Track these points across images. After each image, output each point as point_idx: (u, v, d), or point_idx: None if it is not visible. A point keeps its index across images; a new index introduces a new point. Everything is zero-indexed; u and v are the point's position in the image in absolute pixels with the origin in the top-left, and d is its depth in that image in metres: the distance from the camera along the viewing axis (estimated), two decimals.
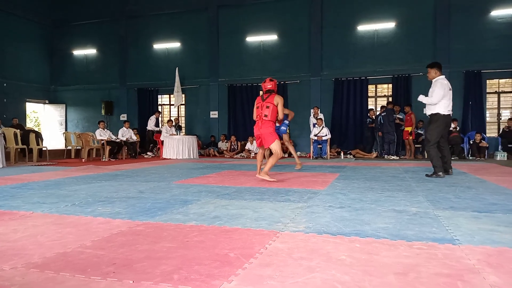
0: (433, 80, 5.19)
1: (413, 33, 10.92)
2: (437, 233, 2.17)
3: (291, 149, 7.04)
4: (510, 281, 1.45)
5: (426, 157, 10.35)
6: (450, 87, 5.17)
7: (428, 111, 5.20)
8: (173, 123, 11.54)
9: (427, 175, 5.21)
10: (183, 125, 12.04)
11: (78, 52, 14.61)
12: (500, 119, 10.65)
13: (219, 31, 12.72)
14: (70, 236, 2.15)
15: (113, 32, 13.99)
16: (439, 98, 5.04)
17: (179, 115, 13.38)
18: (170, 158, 10.17)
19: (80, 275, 1.54)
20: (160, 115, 11.72)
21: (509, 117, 10.16)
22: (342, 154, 10.70)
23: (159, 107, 13.83)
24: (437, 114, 5.10)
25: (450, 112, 5.18)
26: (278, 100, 4.81)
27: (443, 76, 5.21)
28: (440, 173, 5.04)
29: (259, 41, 12.38)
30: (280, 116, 4.86)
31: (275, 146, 4.76)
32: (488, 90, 10.65)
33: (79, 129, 14.10)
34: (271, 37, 12.23)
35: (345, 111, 11.56)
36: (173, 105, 13.39)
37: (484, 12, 10.37)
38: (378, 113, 10.55)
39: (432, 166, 5.16)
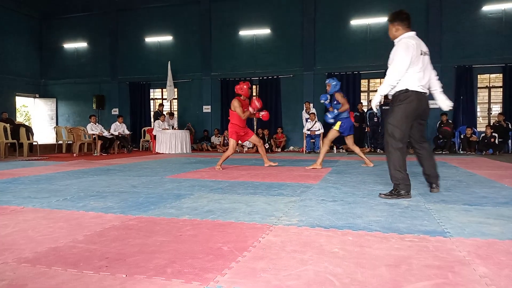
0: (395, 41, 3.32)
1: None
2: (428, 225, 2.20)
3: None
4: (499, 272, 1.47)
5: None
6: (426, 50, 3.26)
7: (392, 90, 3.29)
8: (165, 118, 11.47)
9: (381, 195, 3.20)
10: (175, 121, 11.97)
11: (68, 46, 14.41)
12: (491, 113, 10.77)
13: (212, 25, 12.64)
14: (62, 231, 2.14)
15: (103, 25, 13.81)
16: (403, 65, 3.11)
17: (172, 109, 13.32)
18: (162, 153, 10.12)
19: (72, 269, 1.53)
20: (165, 118, 11.48)
21: (499, 112, 10.28)
22: (334, 148, 10.74)
23: (151, 101, 13.73)
24: (405, 91, 3.17)
25: (426, 90, 3.27)
26: (233, 104, 5.76)
27: (411, 33, 3.26)
28: (402, 192, 3.10)
29: (252, 35, 12.32)
30: (242, 117, 5.68)
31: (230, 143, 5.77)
32: (479, 85, 10.75)
33: (70, 124, 13.96)
34: (264, 31, 12.18)
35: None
36: (165, 99, 13.30)
37: (476, 7, 10.44)
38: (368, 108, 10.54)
39: (391, 177, 3.20)
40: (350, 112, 5.75)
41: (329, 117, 5.63)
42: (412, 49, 3.12)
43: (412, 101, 3.14)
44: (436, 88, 3.40)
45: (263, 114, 5.96)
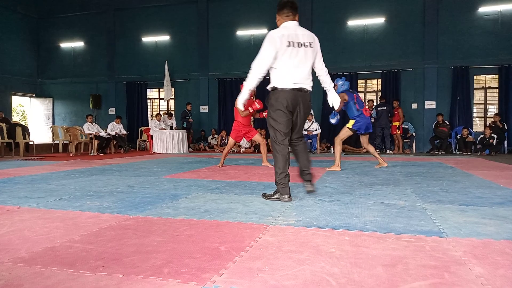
0: None
1: (402, 29, 10.99)
2: (424, 226, 2.21)
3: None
4: (494, 272, 1.48)
5: (413, 151, 10.53)
6: (305, 42, 2.97)
7: (269, 87, 3.11)
8: (161, 117, 11.44)
9: (264, 196, 3.14)
10: (174, 121, 11.94)
11: (65, 45, 14.35)
12: (487, 114, 10.82)
13: (209, 25, 12.63)
14: (58, 231, 2.13)
15: (100, 25, 13.77)
16: (264, 58, 2.94)
17: (169, 109, 13.30)
18: (159, 153, 10.11)
19: (69, 269, 1.53)
20: (161, 118, 11.40)
21: (495, 113, 10.34)
22: (332, 148, 10.76)
23: (148, 101, 13.70)
24: (274, 89, 3.05)
25: (303, 85, 3.00)
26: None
27: (287, 23, 3.03)
28: (285, 197, 2.99)
29: (250, 35, 12.32)
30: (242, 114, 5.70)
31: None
32: (475, 86, 10.80)
33: (66, 123, 13.90)
34: (261, 31, 12.17)
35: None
36: (162, 99, 13.29)
37: (472, 8, 10.49)
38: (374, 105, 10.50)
39: (275, 181, 3.07)
40: (363, 108, 5.43)
41: (330, 118, 5.54)
42: (276, 41, 2.90)
43: (278, 99, 2.99)
44: (324, 84, 3.25)
45: (266, 114, 5.94)
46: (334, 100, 3.29)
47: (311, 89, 3.10)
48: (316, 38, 3.13)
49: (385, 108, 9.97)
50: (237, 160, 7.60)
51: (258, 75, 3.00)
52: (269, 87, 3.09)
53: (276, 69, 2.98)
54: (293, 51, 2.93)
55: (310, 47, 3.00)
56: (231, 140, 6.02)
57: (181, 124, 11.56)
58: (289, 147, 3.07)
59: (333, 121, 5.51)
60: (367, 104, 10.42)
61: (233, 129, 5.97)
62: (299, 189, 3.59)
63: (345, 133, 5.46)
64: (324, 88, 3.29)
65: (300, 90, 3.00)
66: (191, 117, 11.62)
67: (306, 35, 3.02)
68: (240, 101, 3.16)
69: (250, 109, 5.72)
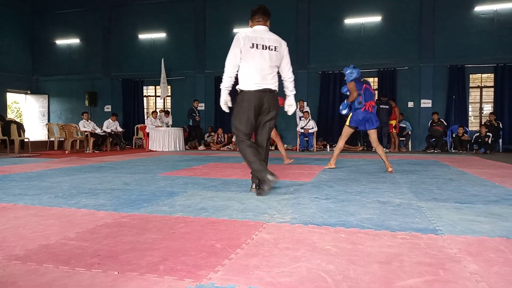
0: None
1: (399, 28, 11.02)
2: (420, 223, 2.22)
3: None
4: (489, 269, 1.49)
5: (409, 149, 10.58)
6: (269, 45, 3.10)
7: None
8: (158, 114, 11.40)
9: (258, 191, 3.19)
10: (170, 119, 11.90)
11: (60, 42, 14.26)
12: (482, 113, 10.88)
13: (206, 22, 12.59)
14: (53, 228, 2.12)
15: (96, 22, 13.69)
16: (230, 59, 3.09)
17: (165, 106, 13.26)
18: (156, 150, 10.08)
19: (64, 266, 1.52)
20: (157, 115, 11.34)
21: (491, 111, 10.40)
22: (328, 146, 10.79)
23: (145, 99, 13.65)
24: (240, 92, 3.17)
25: (267, 86, 3.10)
26: None
27: (256, 27, 3.20)
28: (268, 177, 3.02)
29: None
30: None
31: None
32: (471, 85, 10.85)
33: (62, 121, 13.83)
34: None
35: (331, 104, 11.62)
36: (159, 96, 13.24)
37: (468, 7, 10.53)
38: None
39: (251, 173, 3.26)
40: (368, 102, 4.94)
41: (340, 108, 5.23)
42: (240, 42, 3.04)
43: (242, 101, 3.11)
44: (286, 90, 3.35)
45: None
46: (290, 107, 3.36)
47: (276, 89, 3.21)
48: (284, 44, 3.24)
49: (387, 106, 9.99)
50: (233, 158, 7.60)
51: (228, 75, 3.13)
52: (237, 87, 3.20)
53: (241, 69, 3.11)
54: (256, 53, 3.06)
55: (275, 51, 3.13)
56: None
57: (188, 121, 11.51)
58: (251, 140, 3.17)
59: (344, 111, 5.18)
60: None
61: None
62: (296, 187, 3.60)
63: (345, 131, 5.16)
64: (285, 93, 3.38)
65: (265, 91, 3.11)
66: (198, 114, 11.56)
67: (273, 39, 3.15)
68: (221, 102, 3.21)
69: None
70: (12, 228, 2.12)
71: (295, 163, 6.34)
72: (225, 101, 3.18)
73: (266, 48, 3.09)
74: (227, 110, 3.21)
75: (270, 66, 3.12)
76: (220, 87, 3.19)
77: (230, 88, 3.20)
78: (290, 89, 3.33)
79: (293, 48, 11.87)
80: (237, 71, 3.15)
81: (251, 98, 3.08)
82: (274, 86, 3.18)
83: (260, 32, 3.15)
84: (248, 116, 3.10)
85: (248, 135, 3.14)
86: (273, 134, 5.98)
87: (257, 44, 3.07)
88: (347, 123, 5.10)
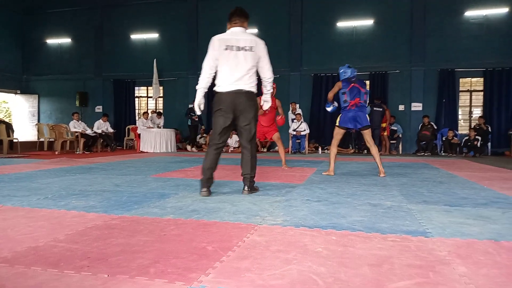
0: None
1: (390, 31, 11.12)
2: (410, 226, 2.23)
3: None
4: (477, 271, 1.51)
5: (400, 152, 10.66)
6: (244, 45, 3.14)
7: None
8: (149, 115, 11.34)
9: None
10: (162, 120, 11.84)
11: (51, 41, 14.11)
12: (472, 116, 11.03)
13: (199, 23, 12.57)
14: (42, 230, 2.09)
15: (88, 21, 13.58)
16: (206, 61, 3.21)
17: (157, 107, 13.19)
18: (147, 152, 10.02)
19: (53, 269, 1.50)
20: (149, 116, 11.26)
21: (480, 115, 10.54)
22: (320, 149, 10.83)
23: (136, 99, 13.56)
24: (216, 93, 3.22)
25: (242, 86, 3.12)
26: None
27: (232, 29, 3.26)
28: (202, 190, 3.18)
29: None
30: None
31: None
32: (461, 89, 11.00)
33: (52, 121, 13.67)
34: (251, 31, 12.18)
35: (323, 107, 11.66)
36: (150, 97, 13.17)
37: (458, 12, 10.68)
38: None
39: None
40: (354, 100, 4.73)
41: (326, 105, 5.23)
42: (215, 44, 3.17)
43: (217, 102, 3.20)
44: (263, 89, 3.43)
45: (278, 119, 5.98)
46: (265, 103, 3.51)
47: (253, 90, 3.22)
48: (261, 43, 3.25)
49: (380, 109, 10.06)
50: (225, 159, 7.59)
51: (204, 76, 3.22)
52: (214, 89, 3.27)
53: (218, 71, 3.20)
54: (230, 54, 3.12)
55: (251, 51, 3.16)
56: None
57: (187, 121, 11.45)
58: (217, 150, 3.24)
59: (328, 109, 5.17)
60: None
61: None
62: (288, 189, 3.60)
63: (336, 132, 4.98)
64: (263, 91, 3.47)
65: (238, 92, 3.13)
66: (196, 114, 11.49)
67: (248, 40, 3.17)
68: (195, 103, 3.28)
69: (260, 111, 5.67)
70: (0, 230, 2.09)
71: (287, 165, 6.35)
72: (198, 103, 3.26)
73: (241, 49, 3.13)
74: (198, 112, 3.30)
75: (246, 67, 3.14)
76: (196, 87, 3.25)
77: (206, 89, 3.27)
78: (267, 89, 3.41)
79: (286, 51, 11.99)
80: (215, 73, 3.23)
81: (225, 100, 3.14)
82: (249, 87, 3.18)
83: (235, 34, 3.20)
84: (224, 119, 3.17)
85: (221, 136, 3.21)
86: (276, 137, 5.97)
87: (231, 46, 3.13)
88: (337, 123, 4.98)
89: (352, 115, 4.79)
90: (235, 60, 3.12)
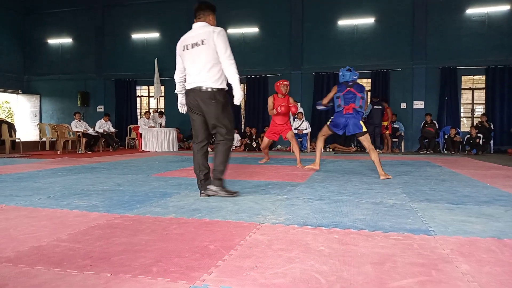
0: None
1: (392, 29, 11.09)
2: (412, 224, 2.23)
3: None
4: (480, 269, 1.50)
5: (402, 150, 10.64)
6: (196, 41, 3.04)
7: None
8: (151, 114, 11.34)
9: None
10: (164, 119, 11.84)
11: (53, 41, 14.12)
12: (474, 114, 11.00)
13: None
14: (45, 230, 2.10)
15: (89, 21, 13.59)
16: (175, 71, 3.31)
17: (158, 107, 13.19)
18: (149, 151, 10.03)
19: (56, 268, 1.50)
20: (150, 116, 11.25)
21: (482, 113, 10.51)
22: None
23: (138, 99, 13.58)
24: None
25: (200, 84, 3.02)
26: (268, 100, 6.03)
27: (194, 25, 3.21)
28: (200, 193, 3.20)
29: (240, 34, 12.29)
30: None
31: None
32: (463, 86, 10.97)
33: (54, 121, 13.70)
34: (252, 30, 12.17)
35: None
36: (152, 96, 13.18)
37: (460, 10, 10.64)
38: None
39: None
40: (348, 105, 4.67)
41: (316, 104, 5.22)
42: (177, 48, 3.21)
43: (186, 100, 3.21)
44: (229, 80, 3.08)
45: (291, 105, 5.83)
46: (235, 97, 3.12)
47: (213, 86, 3.01)
48: (214, 32, 3.00)
49: (380, 107, 10.04)
50: None
51: (176, 80, 3.32)
52: None
53: (187, 71, 3.17)
54: (187, 54, 3.10)
55: (202, 44, 3.02)
56: (264, 138, 6.23)
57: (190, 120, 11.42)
58: (202, 149, 3.22)
59: (319, 107, 5.14)
60: None
61: (269, 128, 6.20)
62: (290, 188, 3.60)
63: (324, 129, 4.98)
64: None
65: (195, 89, 3.05)
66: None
67: (201, 34, 3.05)
68: (178, 105, 3.35)
69: (278, 109, 5.76)
70: (3, 230, 2.09)
71: (289, 164, 6.34)
72: (180, 104, 3.34)
73: (194, 46, 3.05)
74: (182, 111, 3.36)
75: (200, 63, 3.02)
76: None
77: (182, 92, 3.32)
78: (230, 79, 3.04)
79: (287, 49, 11.99)
80: (184, 76, 3.24)
81: (188, 99, 3.13)
82: (209, 82, 3.00)
83: (193, 31, 3.14)
84: (195, 117, 3.15)
85: (200, 141, 3.19)
86: (290, 135, 5.91)
87: (186, 45, 3.11)
88: (328, 122, 4.95)
89: (344, 121, 4.71)
90: (191, 58, 3.07)
